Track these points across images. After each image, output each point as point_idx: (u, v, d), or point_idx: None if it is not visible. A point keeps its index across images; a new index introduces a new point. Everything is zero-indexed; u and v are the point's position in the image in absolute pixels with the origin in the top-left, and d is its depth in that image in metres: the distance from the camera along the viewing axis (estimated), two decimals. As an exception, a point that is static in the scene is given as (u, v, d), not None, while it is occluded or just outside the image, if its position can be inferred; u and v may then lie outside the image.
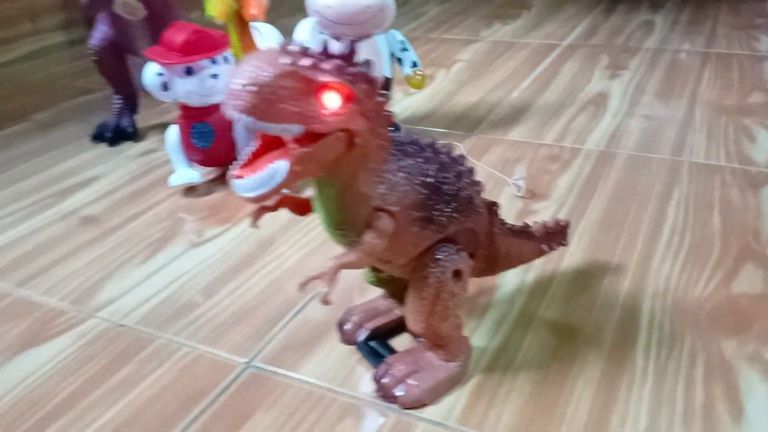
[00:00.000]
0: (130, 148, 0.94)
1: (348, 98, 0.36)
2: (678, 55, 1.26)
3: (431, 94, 1.10)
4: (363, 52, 0.84)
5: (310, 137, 0.36)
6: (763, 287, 0.58)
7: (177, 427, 0.46)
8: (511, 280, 0.61)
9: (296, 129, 0.35)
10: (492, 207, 0.49)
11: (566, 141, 0.90)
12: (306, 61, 0.35)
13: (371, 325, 0.52)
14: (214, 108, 0.75)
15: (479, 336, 0.54)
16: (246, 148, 0.38)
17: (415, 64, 0.88)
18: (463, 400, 0.47)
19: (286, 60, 0.34)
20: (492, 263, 0.51)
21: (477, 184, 0.47)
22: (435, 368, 0.48)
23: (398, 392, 0.47)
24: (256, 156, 0.37)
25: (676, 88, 1.08)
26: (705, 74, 1.15)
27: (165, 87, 0.73)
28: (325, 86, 0.35)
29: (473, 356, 0.51)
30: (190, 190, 0.81)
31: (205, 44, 0.72)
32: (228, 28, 0.88)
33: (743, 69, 1.17)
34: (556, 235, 0.56)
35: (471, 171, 0.46)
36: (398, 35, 0.88)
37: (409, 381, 0.47)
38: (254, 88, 0.33)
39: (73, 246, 0.70)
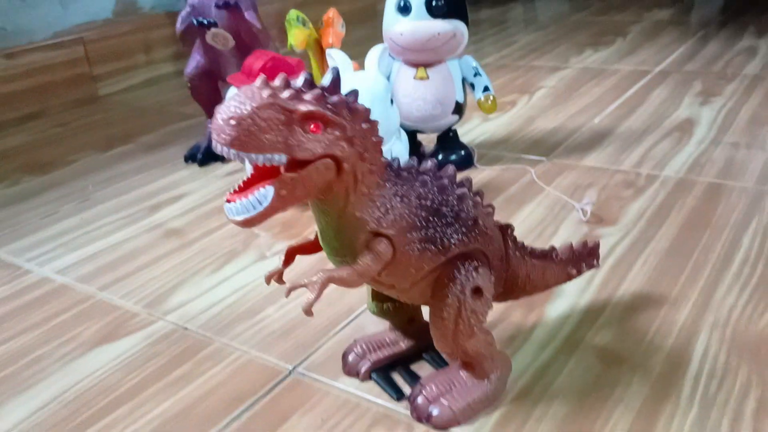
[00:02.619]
0: (217, 169, 1.01)
1: (327, 125, 0.37)
2: (781, 82, 1.19)
3: (510, 119, 1.10)
4: (434, 78, 0.86)
5: (297, 165, 0.37)
6: (840, 324, 0.54)
7: (220, 423, 0.49)
8: (562, 303, 0.60)
9: (281, 158, 0.36)
10: (506, 230, 0.48)
11: (644, 167, 0.87)
12: (286, 93, 0.37)
13: (374, 357, 0.52)
14: (288, 130, 0.79)
15: (521, 357, 0.53)
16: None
17: (486, 89, 0.89)
18: (494, 419, 0.47)
19: (267, 92, 0.36)
20: (511, 287, 0.50)
21: (486, 206, 0.46)
22: (468, 387, 0.48)
23: (432, 412, 0.47)
24: (249, 183, 0.38)
25: (772, 115, 1.02)
26: (808, 101, 1.08)
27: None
28: (304, 115, 0.37)
29: (511, 376, 0.51)
30: (266, 207, 0.85)
31: (281, 70, 0.77)
32: (309, 56, 0.93)
33: None
34: (585, 257, 0.54)
35: (477, 194, 0.46)
36: (471, 61, 0.89)
37: (442, 400, 0.47)
38: (234, 122, 0.35)
39: (155, 255, 0.76)
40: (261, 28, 0.90)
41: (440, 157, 0.92)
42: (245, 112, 0.35)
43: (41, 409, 0.52)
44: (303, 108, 0.36)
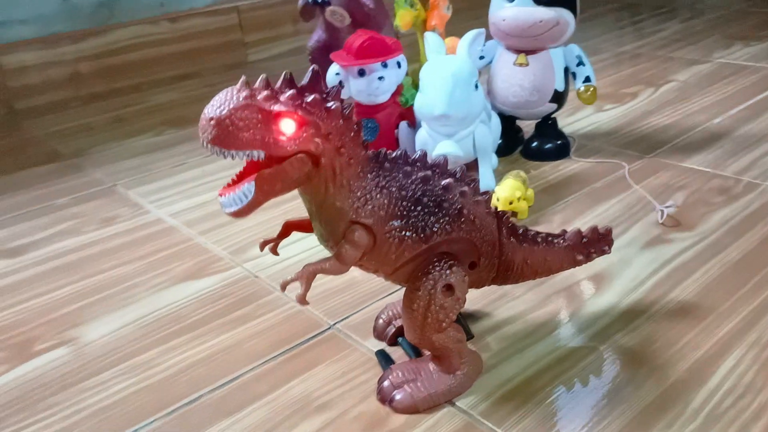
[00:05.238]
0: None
1: (301, 124, 0.41)
2: None
3: (625, 112, 1.07)
4: (534, 65, 0.87)
5: (276, 160, 0.41)
6: None
7: (258, 361, 0.56)
8: (606, 299, 0.60)
9: (259, 154, 0.40)
10: (501, 217, 0.49)
11: (747, 175, 0.82)
12: (263, 94, 0.40)
13: (399, 323, 0.56)
14: (381, 107, 0.84)
15: (542, 345, 0.55)
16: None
17: (588, 79, 0.88)
18: (496, 396, 0.50)
19: (244, 94, 0.39)
20: (505, 272, 0.51)
21: (479, 195, 0.48)
22: (433, 379, 0.50)
23: (395, 396, 0.50)
24: (241, 176, 0.42)
25: None
26: None
27: (341, 85, 0.84)
28: (278, 115, 0.40)
29: (526, 359, 0.53)
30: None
31: (378, 50, 0.82)
32: (418, 37, 0.97)
33: None
34: (594, 243, 0.54)
35: (469, 183, 0.47)
36: (576, 50, 0.88)
37: (406, 387, 0.50)
38: (214, 122, 0.39)
39: (252, 210, 0.85)
40: (373, 7, 0.95)
41: (534, 144, 0.92)
42: (224, 113, 0.39)
43: (122, 328, 0.63)
44: (277, 108, 0.40)
